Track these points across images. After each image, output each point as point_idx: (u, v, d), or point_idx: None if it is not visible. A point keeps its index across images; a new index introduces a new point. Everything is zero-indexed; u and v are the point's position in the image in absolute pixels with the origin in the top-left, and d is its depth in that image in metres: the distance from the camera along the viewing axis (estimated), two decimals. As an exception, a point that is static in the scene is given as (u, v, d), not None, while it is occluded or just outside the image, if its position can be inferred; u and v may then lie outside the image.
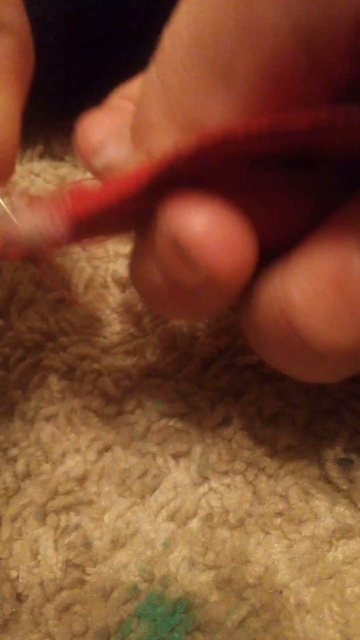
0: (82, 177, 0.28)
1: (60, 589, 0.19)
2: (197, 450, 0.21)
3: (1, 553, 0.19)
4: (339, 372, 0.14)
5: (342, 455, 0.20)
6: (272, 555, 0.19)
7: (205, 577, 0.19)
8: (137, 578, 0.19)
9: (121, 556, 0.19)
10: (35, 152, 0.29)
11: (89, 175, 0.28)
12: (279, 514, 0.20)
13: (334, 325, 0.12)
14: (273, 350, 0.14)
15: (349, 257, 0.12)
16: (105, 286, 0.25)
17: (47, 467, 0.21)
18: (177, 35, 0.12)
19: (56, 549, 0.19)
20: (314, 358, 0.13)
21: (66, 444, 0.21)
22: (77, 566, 0.19)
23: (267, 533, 0.19)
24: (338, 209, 0.13)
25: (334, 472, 0.20)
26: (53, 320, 0.24)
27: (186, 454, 0.21)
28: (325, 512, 0.19)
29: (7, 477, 0.21)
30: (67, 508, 0.20)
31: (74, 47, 0.27)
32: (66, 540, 0.20)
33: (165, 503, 0.20)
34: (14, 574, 0.19)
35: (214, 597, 0.18)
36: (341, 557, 0.19)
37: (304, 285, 0.13)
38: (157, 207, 0.13)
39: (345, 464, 0.20)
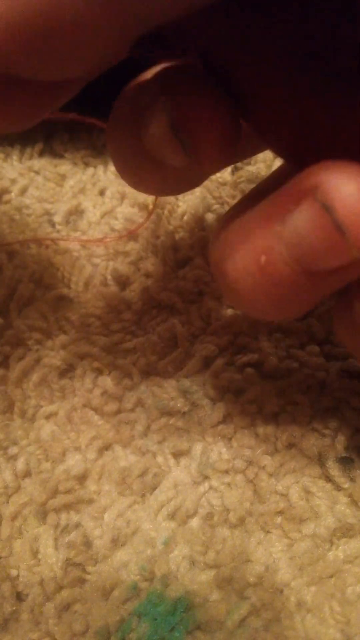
0: (82, 174, 0.28)
1: (61, 588, 0.19)
2: (198, 448, 0.21)
3: (1, 552, 0.19)
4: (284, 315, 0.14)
5: (343, 454, 0.20)
6: (272, 554, 0.19)
7: (206, 576, 0.19)
8: (138, 577, 0.19)
9: (121, 555, 0.19)
10: (35, 150, 0.29)
11: (89, 173, 0.28)
12: (280, 512, 0.20)
13: (255, 298, 0.13)
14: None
15: (272, 240, 0.12)
16: (105, 284, 0.25)
17: (47, 465, 0.21)
18: None
19: (56, 548, 0.19)
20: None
21: (66, 442, 0.21)
22: (77, 565, 0.19)
23: (268, 532, 0.19)
24: (278, 186, 0.13)
25: (334, 470, 0.20)
26: (53, 319, 0.24)
27: (186, 452, 0.21)
28: (326, 510, 0.19)
29: (7, 475, 0.21)
30: (67, 507, 0.20)
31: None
32: (66, 539, 0.20)
33: (165, 502, 0.20)
34: (14, 572, 0.19)
35: (215, 596, 0.18)
36: (342, 556, 0.19)
37: (236, 257, 0.13)
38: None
39: (346, 462, 0.20)
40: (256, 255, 0.13)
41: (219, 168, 0.14)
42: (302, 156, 0.12)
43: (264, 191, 0.14)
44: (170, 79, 0.13)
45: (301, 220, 0.12)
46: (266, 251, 0.12)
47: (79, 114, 0.25)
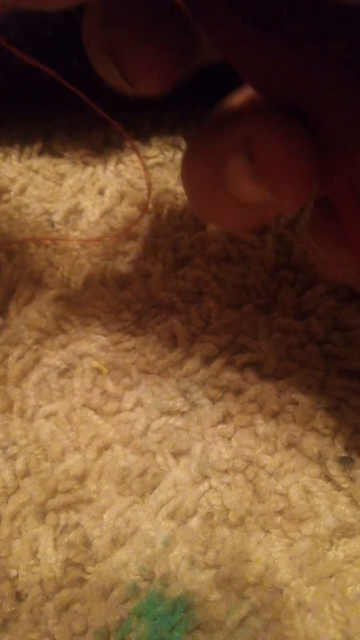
0: (81, 174, 0.28)
1: (60, 588, 0.19)
2: (197, 448, 0.21)
3: (0, 551, 0.19)
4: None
5: (343, 454, 0.20)
6: (272, 554, 0.19)
7: (206, 575, 0.19)
8: (137, 577, 0.19)
9: (121, 555, 0.19)
10: (34, 149, 0.29)
11: (88, 172, 0.28)
12: (280, 512, 0.20)
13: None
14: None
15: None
16: (104, 284, 0.25)
17: (46, 465, 0.21)
18: None
19: (56, 548, 0.19)
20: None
21: (66, 442, 0.21)
22: (76, 565, 0.19)
23: (268, 532, 0.19)
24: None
25: (334, 470, 0.20)
26: (52, 318, 0.24)
27: (186, 452, 0.21)
28: (326, 510, 0.19)
29: (7, 475, 0.21)
30: (66, 506, 0.20)
31: (73, 42, 0.27)
32: (66, 539, 0.19)
33: (165, 501, 0.20)
34: (13, 572, 0.19)
35: (214, 596, 0.18)
36: (342, 556, 0.19)
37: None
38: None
39: (346, 462, 0.20)
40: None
41: (296, 206, 0.15)
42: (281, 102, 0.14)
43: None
44: (245, 118, 0.15)
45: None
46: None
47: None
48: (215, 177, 0.14)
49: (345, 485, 0.20)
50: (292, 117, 0.14)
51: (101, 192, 0.27)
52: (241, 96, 0.16)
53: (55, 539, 0.20)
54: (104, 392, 0.22)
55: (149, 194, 0.26)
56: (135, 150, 0.28)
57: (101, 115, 0.21)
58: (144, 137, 0.29)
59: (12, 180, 0.28)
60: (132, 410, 0.22)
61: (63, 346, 0.23)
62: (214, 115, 0.16)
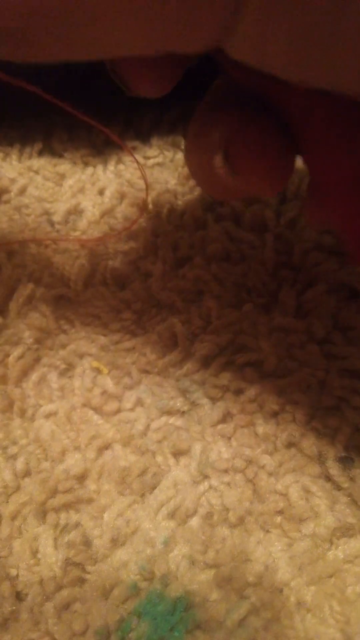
0: (81, 174, 0.28)
1: (60, 588, 0.19)
2: (197, 448, 0.21)
3: (1, 551, 0.19)
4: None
5: (343, 453, 0.20)
6: (272, 553, 0.19)
7: (206, 575, 0.19)
8: (137, 576, 0.19)
9: (121, 554, 0.19)
10: (34, 149, 0.29)
11: (88, 172, 0.28)
12: (280, 512, 0.20)
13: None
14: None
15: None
16: (104, 284, 0.25)
17: (46, 465, 0.21)
18: None
19: (56, 547, 0.19)
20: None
21: (66, 441, 0.21)
22: (76, 564, 0.19)
23: (268, 531, 0.19)
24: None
25: (334, 470, 0.20)
26: (52, 318, 0.24)
27: (186, 451, 0.21)
28: (326, 510, 0.19)
29: (7, 475, 0.21)
30: (66, 506, 0.20)
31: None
32: (66, 539, 0.20)
33: (165, 501, 0.20)
34: (13, 572, 0.19)
35: (214, 595, 0.18)
36: (342, 556, 0.19)
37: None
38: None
39: (346, 462, 0.20)
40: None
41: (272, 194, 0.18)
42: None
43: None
44: (225, 121, 0.16)
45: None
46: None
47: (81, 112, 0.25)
48: (205, 165, 0.17)
49: (345, 485, 0.20)
50: (265, 113, 0.15)
51: (101, 192, 0.27)
52: (224, 85, 0.18)
53: (55, 539, 0.20)
54: (104, 392, 0.22)
55: (147, 194, 0.26)
56: (130, 154, 0.28)
57: (94, 125, 0.21)
58: (144, 137, 0.29)
59: (13, 180, 0.28)
60: (132, 410, 0.22)
61: (63, 346, 0.23)
62: (203, 107, 0.17)
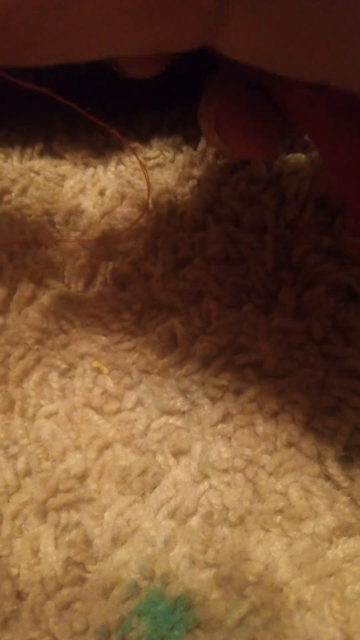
0: (82, 175, 0.28)
1: (61, 587, 0.19)
2: (197, 447, 0.21)
3: (2, 551, 0.19)
4: None
5: (342, 453, 0.20)
6: (272, 553, 0.19)
7: (206, 574, 0.19)
8: (138, 576, 0.19)
9: (121, 554, 0.19)
10: (35, 150, 0.29)
11: (89, 173, 0.28)
12: (279, 511, 0.20)
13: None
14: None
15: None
16: (105, 284, 0.25)
17: (47, 464, 0.21)
18: None
19: (56, 547, 0.19)
20: None
21: (66, 441, 0.21)
22: (77, 564, 0.19)
23: (267, 531, 0.19)
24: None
25: (334, 469, 0.20)
26: (53, 318, 0.24)
27: (186, 451, 0.21)
28: (326, 509, 0.19)
29: (8, 474, 0.21)
30: (67, 506, 0.20)
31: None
32: (67, 538, 0.20)
33: (165, 501, 0.20)
34: (14, 571, 0.19)
35: (214, 594, 0.18)
36: (341, 555, 0.19)
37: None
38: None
39: (345, 461, 0.20)
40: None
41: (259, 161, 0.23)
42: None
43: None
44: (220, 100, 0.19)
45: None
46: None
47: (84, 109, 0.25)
48: (207, 132, 0.19)
49: (345, 485, 0.20)
50: (254, 92, 0.17)
51: (102, 192, 0.27)
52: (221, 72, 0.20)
53: (56, 538, 0.20)
54: (105, 392, 0.22)
55: (148, 194, 0.26)
56: (134, 152, 0.28)
57: (98, 123, 0.21)
58: (144, 138, 0.29)
59: (13, 181, 0.28)
60: (132, 409, 0.22)
61: (64, 346, 0.23)
62: (208, 86, 0.19)
